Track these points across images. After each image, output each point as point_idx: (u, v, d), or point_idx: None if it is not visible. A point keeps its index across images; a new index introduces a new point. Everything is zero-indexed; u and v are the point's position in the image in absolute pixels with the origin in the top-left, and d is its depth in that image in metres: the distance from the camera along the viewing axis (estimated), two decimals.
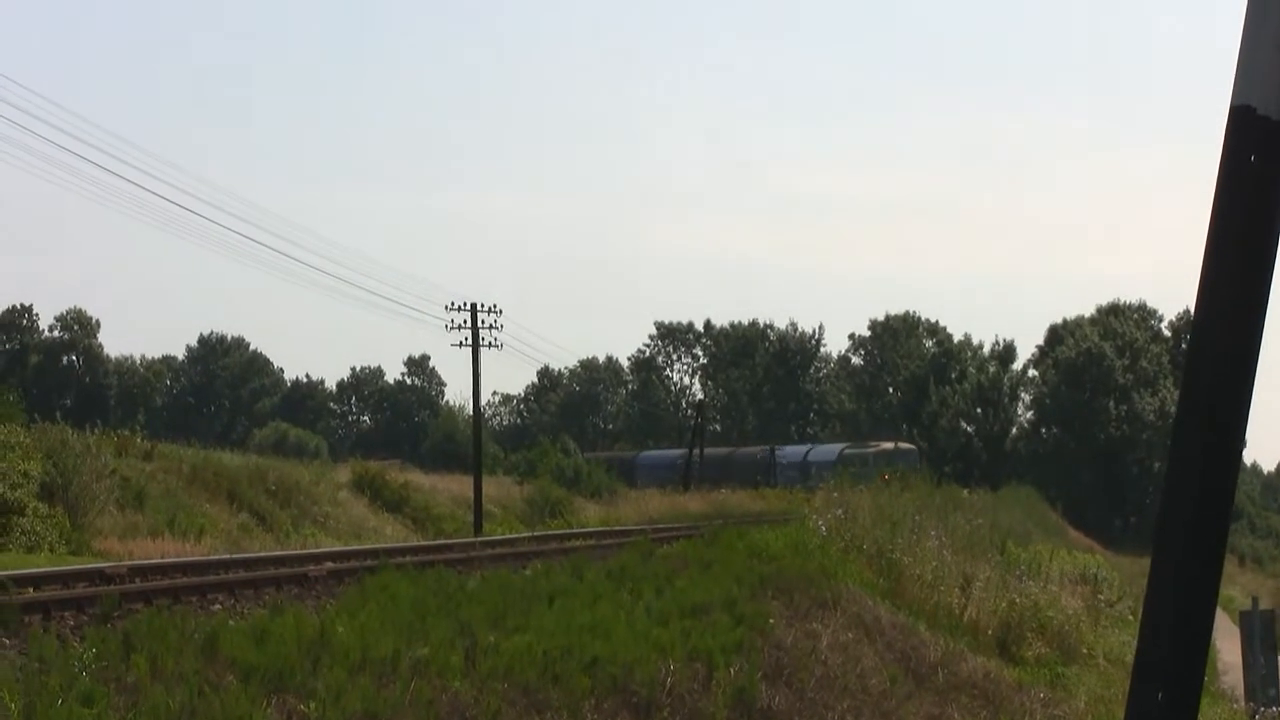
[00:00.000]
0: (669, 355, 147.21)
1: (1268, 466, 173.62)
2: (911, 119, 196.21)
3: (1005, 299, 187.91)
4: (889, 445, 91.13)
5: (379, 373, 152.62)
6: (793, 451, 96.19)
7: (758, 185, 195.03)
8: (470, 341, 61.40)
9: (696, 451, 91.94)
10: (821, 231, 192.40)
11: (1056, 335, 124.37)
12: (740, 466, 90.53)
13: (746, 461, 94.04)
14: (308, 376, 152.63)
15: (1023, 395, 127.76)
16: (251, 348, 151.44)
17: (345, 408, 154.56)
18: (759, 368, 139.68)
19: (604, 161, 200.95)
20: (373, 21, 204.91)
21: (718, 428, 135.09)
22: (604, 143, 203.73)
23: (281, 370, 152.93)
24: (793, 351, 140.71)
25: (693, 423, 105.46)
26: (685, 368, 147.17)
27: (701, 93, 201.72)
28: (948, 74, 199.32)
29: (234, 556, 26.80)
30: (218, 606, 19.20)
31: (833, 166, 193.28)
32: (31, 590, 18.46)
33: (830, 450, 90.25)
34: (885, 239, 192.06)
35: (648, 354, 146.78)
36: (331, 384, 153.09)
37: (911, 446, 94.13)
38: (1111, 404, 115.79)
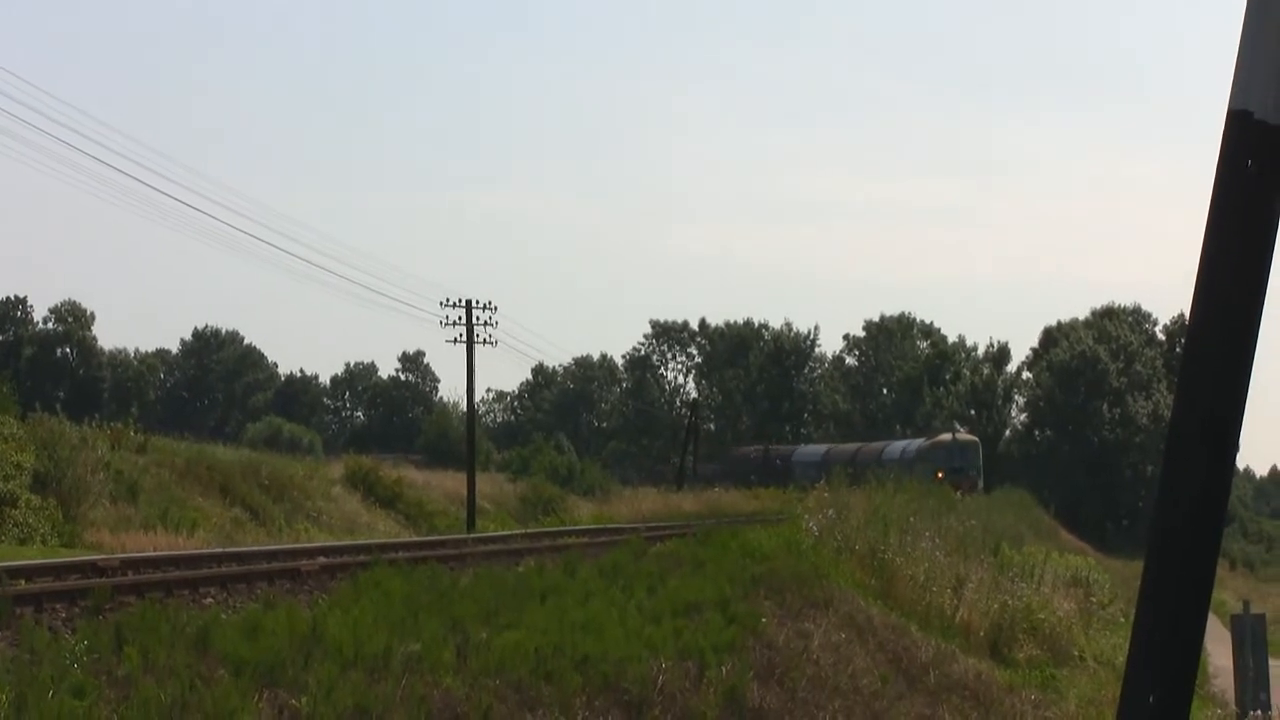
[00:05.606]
0: (663, 354, 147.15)
1: (1260, 471, 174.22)
2: (909, 121, 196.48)
3: (1000, 301, 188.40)
4: (946, 437, 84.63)
5: (373, 368, 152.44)
6: (893, 448, 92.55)
7: (754, 185, 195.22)
8: (465, 338, 61.39)
9: (775, 447, 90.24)
10: (817, 232, 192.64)
11: (1051, 338, 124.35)
12: (859, 464, 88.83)
13: (868, 458, 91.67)
14: (302, 371, 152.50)
15: (1016, 397, 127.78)
16: (246, 342, 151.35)
17: (339, 403, 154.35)
18: (753, 367, 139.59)
19: (601, 160, 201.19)
20: (374, 18, 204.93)
21: (712, 427, 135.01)
22: (602, 142, 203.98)
23: (275, 365, 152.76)
24: (787, 351, 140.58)
25: (687, 422, 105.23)
26: (680, 367, 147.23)
27: (699, 94, 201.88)
28: (945, 77, 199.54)
29: (226, 550, 26.75)
30: (210, 600, 19.17)
31: (828, 167, 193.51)
32: (23, 582, 18.41)
33: (911, 445, 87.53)
34: (880, 240, 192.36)
35: (642, 352, 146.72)
36: (325, 379, 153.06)
37: (972, 438, 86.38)
38: (1105, 407, 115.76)
